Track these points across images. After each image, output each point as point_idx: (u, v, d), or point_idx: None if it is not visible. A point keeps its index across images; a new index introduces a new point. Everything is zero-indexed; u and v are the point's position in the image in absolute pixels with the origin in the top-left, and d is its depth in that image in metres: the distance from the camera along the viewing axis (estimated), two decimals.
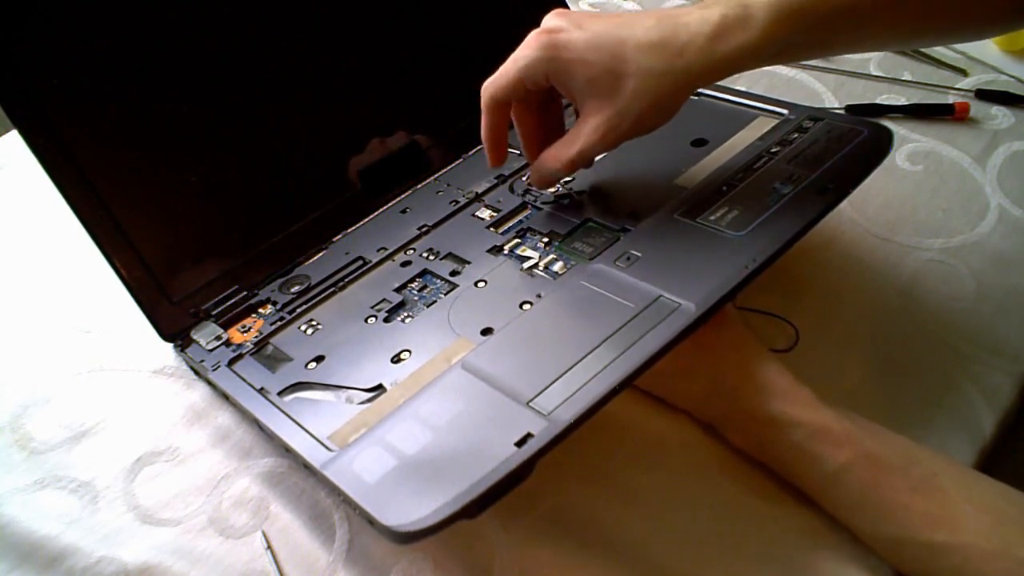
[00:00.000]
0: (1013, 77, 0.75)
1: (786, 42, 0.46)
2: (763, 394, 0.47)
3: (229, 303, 0.53)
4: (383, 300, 0.52)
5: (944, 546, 0.42)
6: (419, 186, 0.61)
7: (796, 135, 0.56)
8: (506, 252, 0.53)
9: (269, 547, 0.48)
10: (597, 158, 0.56)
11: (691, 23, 0.46)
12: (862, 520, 0.45)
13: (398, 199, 0.60)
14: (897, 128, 0.70)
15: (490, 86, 0.51)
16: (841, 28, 0.48)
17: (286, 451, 0.45)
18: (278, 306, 0.53)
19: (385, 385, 0.46)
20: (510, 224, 0.56)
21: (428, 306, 0.51)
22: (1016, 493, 0.44)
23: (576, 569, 0.47)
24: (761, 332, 0.56)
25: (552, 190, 0.58)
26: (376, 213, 0.59)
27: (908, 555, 0.44)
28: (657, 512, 0.49)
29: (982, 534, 0.42)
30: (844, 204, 0.52)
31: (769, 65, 0.50)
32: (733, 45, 0.46)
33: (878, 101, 0.73)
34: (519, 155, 0.61)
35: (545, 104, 0.54)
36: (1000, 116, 0.71)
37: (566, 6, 0.67)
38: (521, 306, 0.49)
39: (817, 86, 0.75)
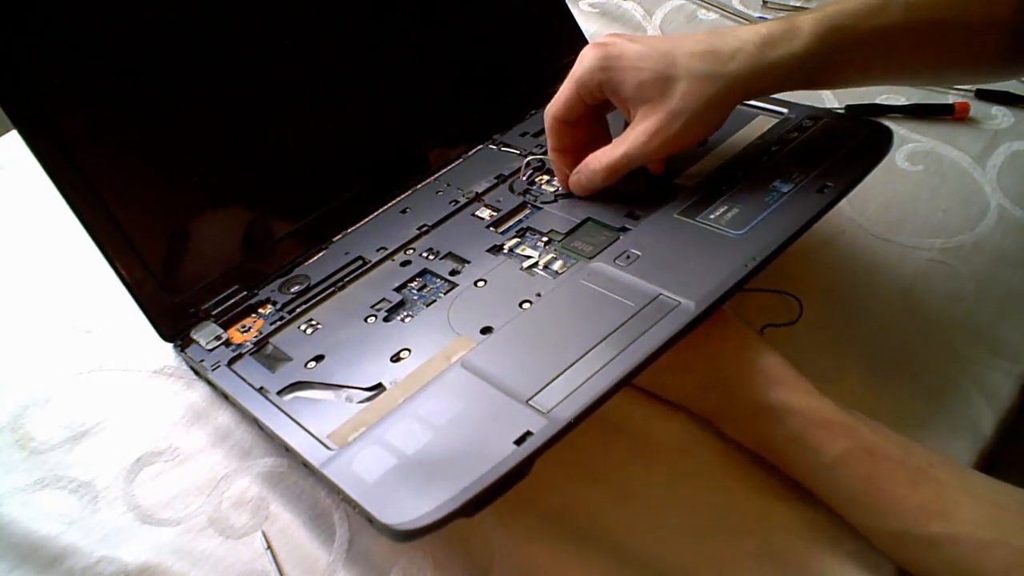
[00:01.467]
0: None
1: (829, 57, 0.49)
2: (762, 383, 0.47)
3: (229, 303, 0.53)
4: (383, 300, 0.52)
5: (941, 537, 0.42)
6: (419, 186, 0.61)
7: (796, 134, 0.56)
8: (506, 251, 0.53)
9: (269, 547, 0.48)
10: None
11: (740, 34, 0.49)
12: (858, 512, 0.45)
13: (398, 199, 0.60)
14: (897, 128, 0.70)
15: (551, 107, 0.54)
16: (877, 52, 0.50)
17: (286, 450, 0.45)
18: (278, 306, 0.53)
19: (385, 384, 0.46)
20: (510, 223, 0.56)
21: (428, 305, 0.51)
22: (1011, 487, 0.44)
23: (575, 567, 0.47)
24: (763, 308, 0.57)
25: (552, 189, 0.58)
26: (376, 213, 0.59)
27: (904, 547, 0.44)
28: (656, 509, 0.49)
29: (979, 525, 0.42)
30: (844, 204, 0.52)
31: (813, 87, 0.52)
32: (780, 52, 0.48)
33: (878, 101, 0.73)
34: (518, 154, 0.62)
35: (592, 124, 0.56)
36: (1000, 116, 0.71)
37: (565, 6, 0.67)
38: (521, 305, 0.49)
39: None
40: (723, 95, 0.49)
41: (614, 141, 0.52)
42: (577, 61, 0.52)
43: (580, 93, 0.52)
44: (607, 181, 0.53)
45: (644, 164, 0.53)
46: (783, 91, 0.51)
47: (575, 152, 0.55)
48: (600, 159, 0.53)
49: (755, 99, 0.53)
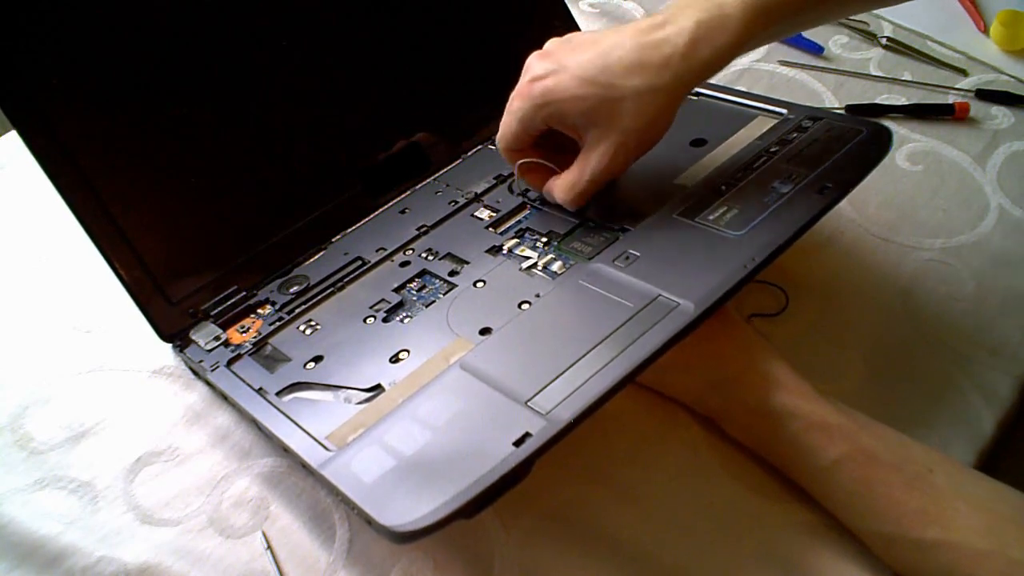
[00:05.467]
0: (1013, 77, 0.75)
1: (765, 34, 0.48)
2: (763, 385, 0.47)
3: (228, 303, 0.53)
4: (382, 300, 0.52)
5: (936, 543, 0.42)
6: (418, 186, 0.61)
7: (795, 134, 0.56)
8: (505, 252, 0.53)
9: (269, 547, 0.48)
10: None
11: (669, 36, 0.48)
12: (855, 515, 0.45)
13: (397, 199, 0.60)
14: (897, 128, 0.70)
15: (501, 140, 0.54)
16: (815, 7, 0.49)
17: (285, 451, 0.46)
18: (277, 306, 0.53)
19: (384, 385, 0.46)
20: (509, 224, 0.56)
21: (427, 306, 0.51)
22: (1012, 492, 0.44)
23: (576, 566, 0.47)
24: (753, 300, 0.57)
25: None
26: (375, 213, 0.59)
27: (900, 552, 0.44)
28: (657, 510, 0.49)
29: (975, 532, 0.42)
30: (844, 204, 0.52)
31: (748, 51, 0.51)
32: (713, 48, 0.47)
33: (878, 101, 0.73)
34: None
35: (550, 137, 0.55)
36: (1000, 116, 0.71)
37: (565, 6, 0.67)
38: (520, 306, 0.49)
39: (817, 86, 0.75)
40: (667, 104, 0.49)
41: (575, 164, 0.52)
42: (513, 95, 0.52)
43: (525, 127, 0.52)
44: (576, 206, 0.53)
45: (610, 180, 0.52)
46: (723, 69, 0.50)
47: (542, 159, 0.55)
48: (565, 188, 0.52)
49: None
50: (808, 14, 0.50)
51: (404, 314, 0.51)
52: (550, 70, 0.50)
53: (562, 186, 0.52)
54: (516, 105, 0.51)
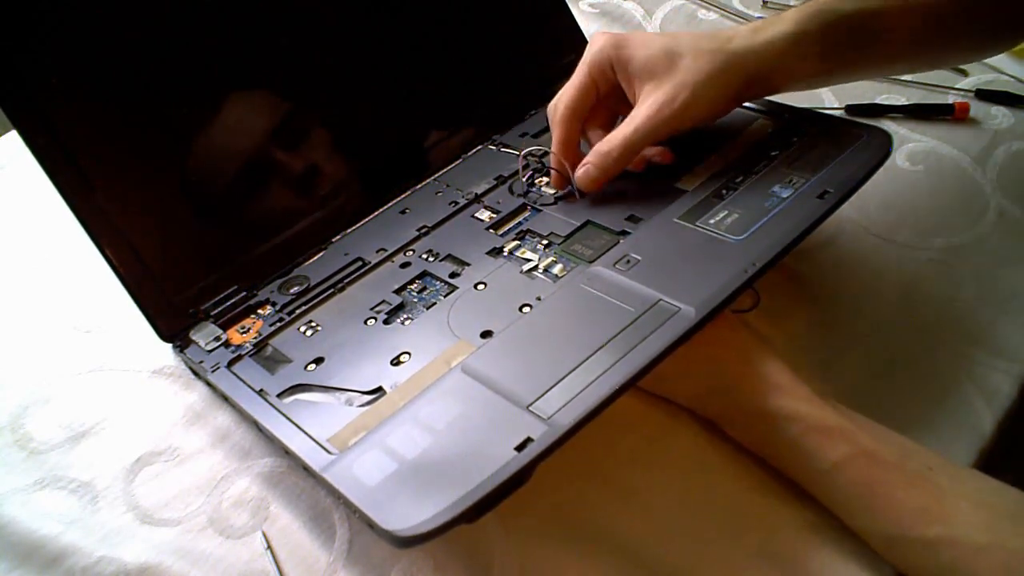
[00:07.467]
0: (1013, 77, 0.74)
1: (819, 39, 0.52)
2: (761, 389, 0.47)
3: (228, 304, 0.53)
4: (382, 302, 0.52)
5: (938, 541, 0.42)
6: (419, 186, 0.61)
7: (795, 138, 0.56)
8: (506, 254, 0.53)
9: (269, 547, 0.48)
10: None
11: (737, 27, 0.54)
12: (856, 515, 0.45)
13: (397, 199, 0.60)
14: (897, 128, 0.70)
15: (562, 97, 0.56)
16: (866, 34, 0.53)
17: (286, 453, 0.46)
18: (277, 307, 0.53)
19: (385, 388, 0.46)
20: (510, 226, 0.56)
21: (428, 308, 0.51)
22: (1011, 489, 0.44)
23: (576, 567, 0.47)
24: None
25: (552, 191, 0.58)
26: (375, 214, 0.59)
27: (903, 551, 0.44)
28: (657, 509, 0.49)
29: (976, 528, 0.42)
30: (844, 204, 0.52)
31: (817, 78, 0.55)
32: (767, 33, 0.52)
33: (878, 101, 0.73)
34: (517, 155, 0.62)
35: (602, 120, 0.58)
36: (1000, 116, 0.71)
37: (566, 6, 0.67)
38: (521, 309, 0.49)
39: None
40: (724, 70, 0.52)
41: (622, 123, 0.53)
42: (588, 46, 0.55)
43: (592, 73, 0.54)
44: (621, 162, 0.54)
45: (653, 141, 0.53)
46: (784, 78, 0.53)
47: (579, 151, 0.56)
48: (612, 140, 0.53)
49: (758, 89, 0.54)
50: (860, 38, 0.53)
51: (405, 316, 0.51)
52: (626, 31, 0.55)
53: (607, 140, 0.53)
54: (588, 51, 0.55)
